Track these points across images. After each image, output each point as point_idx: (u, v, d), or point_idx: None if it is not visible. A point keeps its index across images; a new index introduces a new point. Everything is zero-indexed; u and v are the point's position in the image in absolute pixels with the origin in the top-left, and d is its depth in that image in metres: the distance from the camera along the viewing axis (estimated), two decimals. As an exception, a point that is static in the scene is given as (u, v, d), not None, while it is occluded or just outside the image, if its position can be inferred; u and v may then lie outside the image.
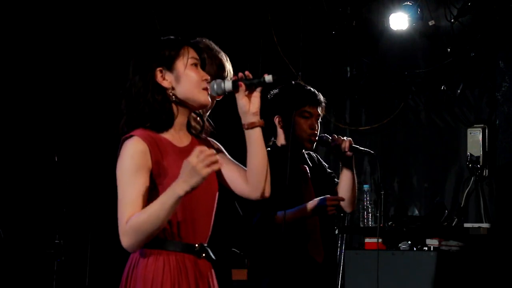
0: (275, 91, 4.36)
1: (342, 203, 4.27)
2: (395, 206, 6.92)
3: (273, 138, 4.35)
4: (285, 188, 3.68)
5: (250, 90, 2.98)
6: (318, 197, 4.20)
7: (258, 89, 2.99)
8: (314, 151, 4.48)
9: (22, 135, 6.07)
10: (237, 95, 3.00)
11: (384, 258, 6.06)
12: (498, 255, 6.10)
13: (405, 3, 6.71)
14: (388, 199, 6.87)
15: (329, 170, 4.50)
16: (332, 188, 4.38)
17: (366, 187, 6.76)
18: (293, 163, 4.21)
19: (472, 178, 6.57)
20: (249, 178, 3.02)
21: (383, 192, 6.85)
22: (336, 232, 6.33)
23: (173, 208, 2.76)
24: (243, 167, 3.07)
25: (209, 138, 3.12)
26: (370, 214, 6.73)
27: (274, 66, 7.25)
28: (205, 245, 2.96)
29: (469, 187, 6.60)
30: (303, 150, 4.35)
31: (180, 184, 2.72)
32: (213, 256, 2.98)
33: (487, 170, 6.54)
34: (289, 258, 4.10)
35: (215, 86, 3.01)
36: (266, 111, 4.27)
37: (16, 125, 6.03)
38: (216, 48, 3.61)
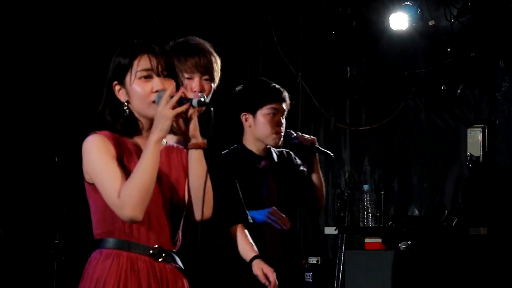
0: (239, 87, 4.31)
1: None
2: (395, 206, 6.92)
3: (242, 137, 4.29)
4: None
5: (185, 110, 2.76)
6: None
7: (193, 110, 2.75)
8: (289, 148, 4.47)
9: (22, 135, 6.07)
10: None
11: (384, 258, 6.07)
12: (497, 256, 6.10)
13: (405, 3, 6.70)
14: (388, 199, 6.88)
15: (302, 168, 4.45)
16: (299, 185, 4.38)
17: (366, 187, 6.76)
18: (253, 163, 4.23)
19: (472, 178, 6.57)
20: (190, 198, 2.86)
21: (383, 192, 6.86)
22: (336, 232, 6.33)
23: (155, 156, 2.73)
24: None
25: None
26: (370, 214, 6.74)
27: (274, 66, 7.25)
28: (170, 250, 2.86)
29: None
30: (267, 146, 4.31)
31: (152, 132, 2.74)
32: (179, 264, 2.87)
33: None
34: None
35: (157, 99, 2.78)
36: (231, 108, 4.26)
37: (16, 125, 6.03)
38: (207, 47, 3.41)
